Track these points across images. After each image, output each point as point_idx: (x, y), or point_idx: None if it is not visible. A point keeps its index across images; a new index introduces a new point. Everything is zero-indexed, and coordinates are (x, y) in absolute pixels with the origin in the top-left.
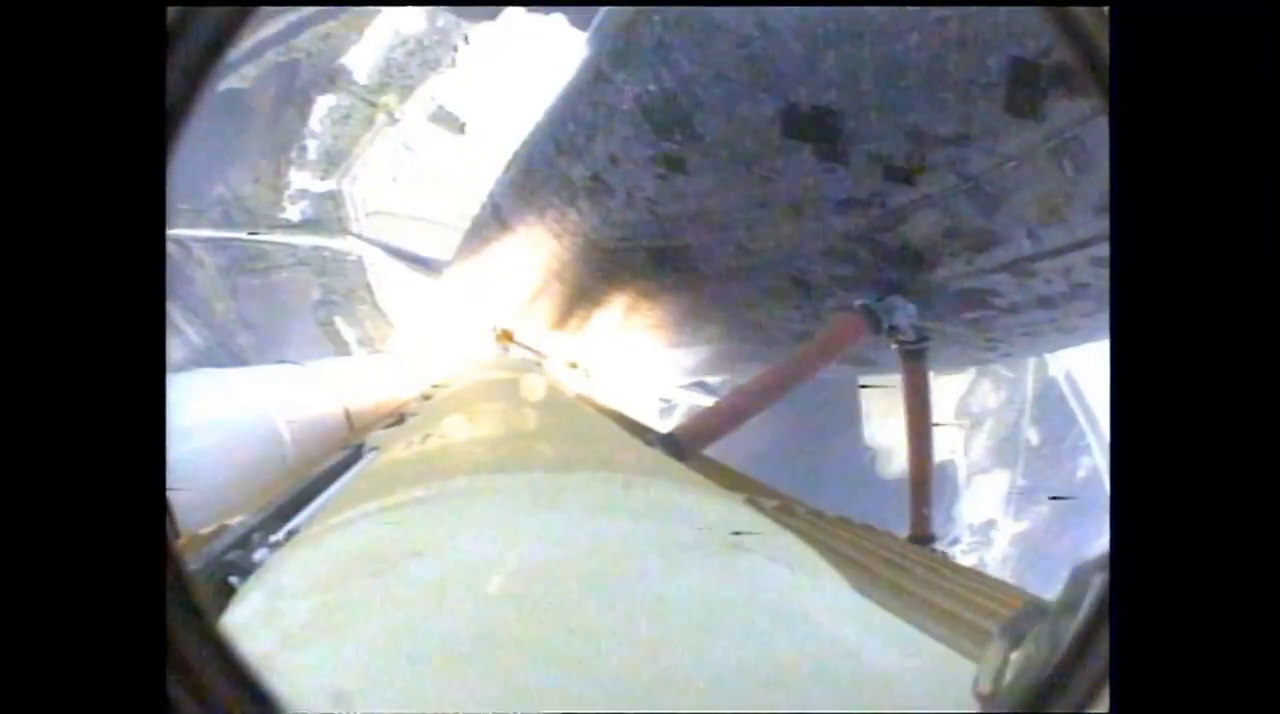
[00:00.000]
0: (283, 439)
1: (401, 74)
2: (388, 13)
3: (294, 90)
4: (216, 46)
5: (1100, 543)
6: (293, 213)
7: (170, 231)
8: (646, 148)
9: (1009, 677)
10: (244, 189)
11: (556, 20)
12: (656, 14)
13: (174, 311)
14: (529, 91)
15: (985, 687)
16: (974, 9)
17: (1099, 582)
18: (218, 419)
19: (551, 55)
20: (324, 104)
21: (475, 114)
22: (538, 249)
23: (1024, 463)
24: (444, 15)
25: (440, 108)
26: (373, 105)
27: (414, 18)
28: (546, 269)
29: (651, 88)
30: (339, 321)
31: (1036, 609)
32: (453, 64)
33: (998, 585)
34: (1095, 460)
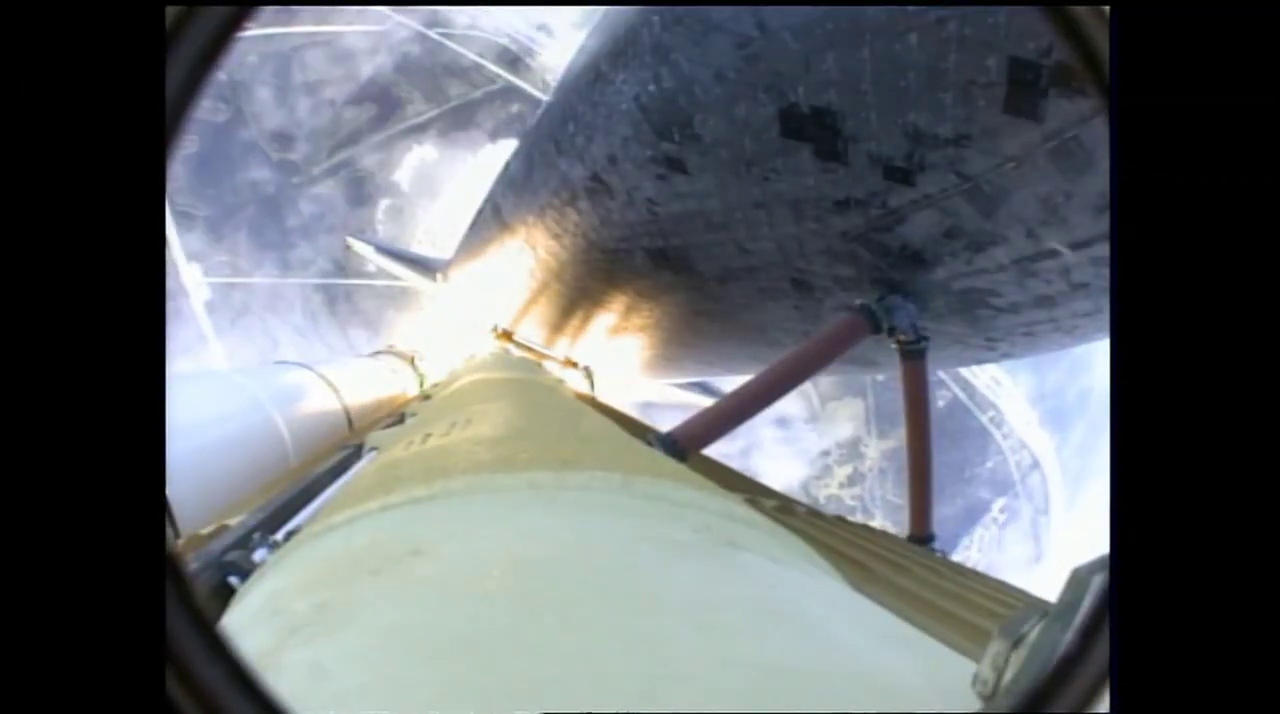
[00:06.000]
0: (283, 439)
1: (430, 188)
2: (415, 147)
3: (364, 196)
4: (216, 46)
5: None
6: (371, 267)
7: (289, 279)
8: (646, 148)
9: (1009, 677)
10: (338, 255)
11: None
12: (656, 14)
13: (286, 331)
14: None
15: (985, 687)
16: (974, 9)
17: (1099, 582)
18: (218, 419)
19: None
20: (383, 204)
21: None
22: (537, 249)
23: (873, 393)
24: (446, 149)
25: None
26: (414, 203)
27: (430, 150)
28: (546, 269)
29: (651, 88)
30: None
31: (1036, 609)
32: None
33: (998, 586)
34: (953, 392)
